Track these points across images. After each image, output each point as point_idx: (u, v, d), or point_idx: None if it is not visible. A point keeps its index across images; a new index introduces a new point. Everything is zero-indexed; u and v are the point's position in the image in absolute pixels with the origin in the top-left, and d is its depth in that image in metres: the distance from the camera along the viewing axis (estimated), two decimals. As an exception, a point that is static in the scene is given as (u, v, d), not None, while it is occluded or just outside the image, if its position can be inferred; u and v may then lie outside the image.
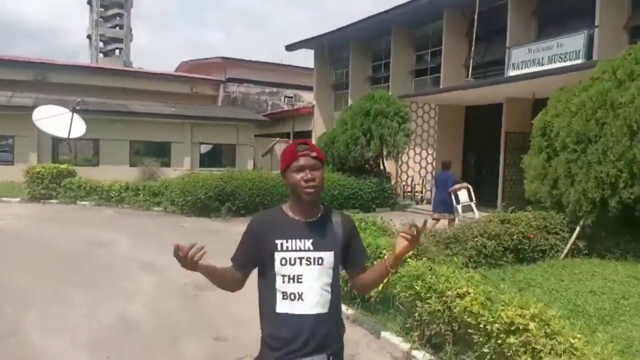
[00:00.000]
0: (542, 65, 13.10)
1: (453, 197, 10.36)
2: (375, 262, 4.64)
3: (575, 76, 10.78)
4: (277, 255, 1.92)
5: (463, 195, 10.73)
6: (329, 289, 1.95)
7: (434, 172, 16.76)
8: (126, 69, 40.77)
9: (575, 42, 12.25)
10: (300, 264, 1.92)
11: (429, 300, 4.02)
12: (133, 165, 21.58)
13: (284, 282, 1.92)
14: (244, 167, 22.46)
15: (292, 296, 1.91)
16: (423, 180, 16.64)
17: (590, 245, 7.80)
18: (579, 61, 11.97)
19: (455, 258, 5.81)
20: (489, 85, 12.79)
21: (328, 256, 1.95)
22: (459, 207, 10.48)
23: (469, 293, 3.77)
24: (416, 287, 4.16)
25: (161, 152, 23.34)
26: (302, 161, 1.95)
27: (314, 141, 20.80)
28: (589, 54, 12.03)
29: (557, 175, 8.09)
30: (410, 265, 4.40)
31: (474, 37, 14.79)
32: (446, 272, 4.15)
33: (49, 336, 4.63)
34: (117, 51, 74.22)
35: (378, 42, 21.47)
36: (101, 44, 72.95)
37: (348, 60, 22.46)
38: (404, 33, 19.46)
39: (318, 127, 23.72)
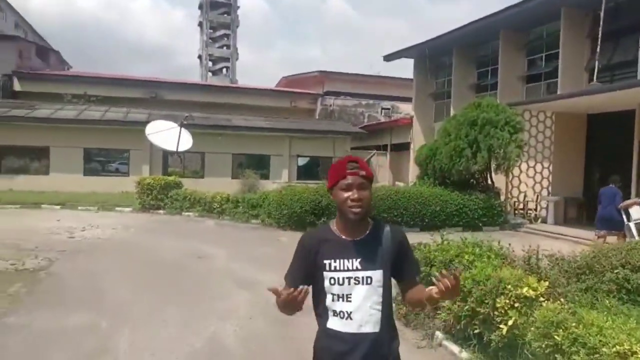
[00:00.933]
0: (689, 64, 11.16)
1: (624, 213, 9.79)
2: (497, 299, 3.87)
3: None
4: (326, 275, 1.94)
5: (636, 212, 9.46)
6: (379, 307, 1.95)
7: (550, 188, 15.10)
8: (229, 85, 42.92)
9: None
10: (349, 283, 1.93)
11: (575, 357, 3.16)
12: (235, 177, 22.20)
13: (333, 300, 1.95)
14: (341, 180, 22.08)
15: (342, 314, 1.94)
16: (538, 196, 15.01)
17: None
18: None
19: (592, 295, 4.79)
20: (621, 89, 11.11)
21: (377, 275, 1.94)
22: (632, 225, 9.65)
23: (636, 353, 2.86)
24: (556, 337, 3.32)
25: (261, 165, 23.82)
26: (350, 179, 1.93)
27: (413, 154, 19.90)
28: None
29: None
30: (545, 307, 3.56)
31: (599, 36, 13.07)
32: (597, 320, 3.26)
33: (139, 359, 4.43)
34: (224, 70, 78.89)
35: (484, 48, 20.10)
36: (210, 64, 78.06)
37: (450, 68, 21.32)
38: (514, 36, 17.95)
39: (417, 139, 22.75)
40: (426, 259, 4.98)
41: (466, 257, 4.67)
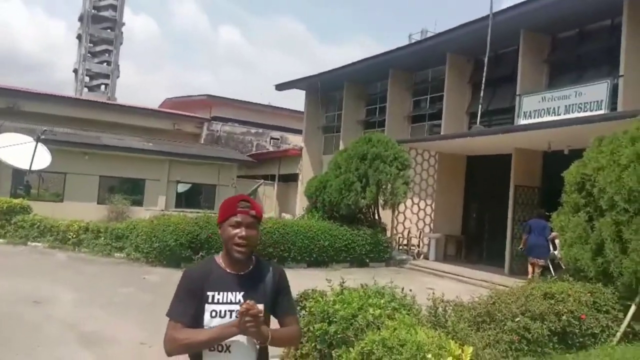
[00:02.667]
0: (559, 114, 12.00)
1: (550, 244, 10.95)
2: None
3: (598, 127, 9.66)
4: (208, 307, 1.93)
5: (558, 244, 10.32)
6: (258, 343, 1.95)
7: (432, 225, 15.33)
8: (104, 101, 39.29)
9: (597, 91, 11.21)
10: (230, 316, 1.92)
11: None
12: (101, 202, 19.70)
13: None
14: (224, 210, 20.69)
15: (220, 348, 1.91)
16: (421, 233, 15.14)
17: (650, 329, 6.29)
18: (602, 112, 10.89)
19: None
20: (503, 132, 11.58)
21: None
22: (557, 253, 10.64)
23: None
24: None
25: (135, 190, 21.55)
26: (239, 217, 1.97)
27: (302, 185, 19.32)
28: (612, 105, 10.98)
29: (601, 239, 6.67)
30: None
31: (483, 81, 13.74)
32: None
33: None
34: (102, 87, 73.48)
35: (374, 85, 20.49)
36: (87, 79, 72.16)
37: (340, 103, 21.39)
38: (403, 76, 18.49)
39: (305, 171, 22.30)
40: (324, 313, 4.04)
41: (371, 310, 3.83)
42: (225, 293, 1.94)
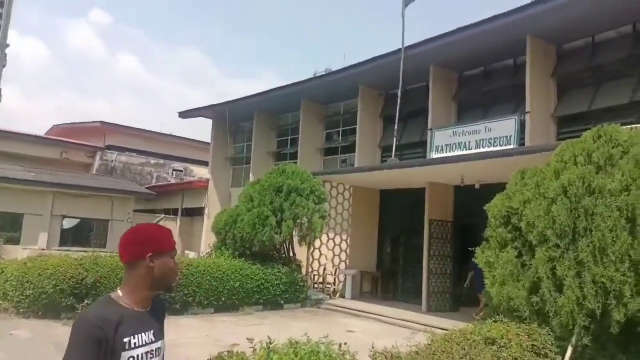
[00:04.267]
0: (470, 149, 12.19)
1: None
2: None
3: (512, 161, 9.78)
4: (125, 355, 1.76)
5: None
6: None
7: (347, 261, 14.75)
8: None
9: (506, 127, 11.54)
10: (146, 358, 1.82)
11: None
12: (-35, 241, 16.69)
13: None
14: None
15: None
16: (336, 270, 14.47)
17: (587, 370, 6.04)
18: (511, 147, 11.17)
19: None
20: (420, 165, 11.44)
21: (162, 345, 1.93)
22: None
23: None
24: None
25: (11, 227, 18.65)
26: (175, 251, 1.94)
27: (208, 220, 17.89)
28: (520, 140, 11.32)
29: (537, 277, 6.40)
30: None
31: (397, 114, 13.71)
32: None
33: None
34: (-21, 111, 65.66)
35: (285, 117, 19.96)
36: (-42, 101, 64.32)
37: (250, 133, 20.52)
38: (315, 108, 18.16)
39: (212, 204, 20.89)
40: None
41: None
42: (140, 335, 1.81)
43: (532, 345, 5.81)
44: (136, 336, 1.79)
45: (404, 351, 5.54)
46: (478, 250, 7.97)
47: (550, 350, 5.89)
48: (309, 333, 9.41)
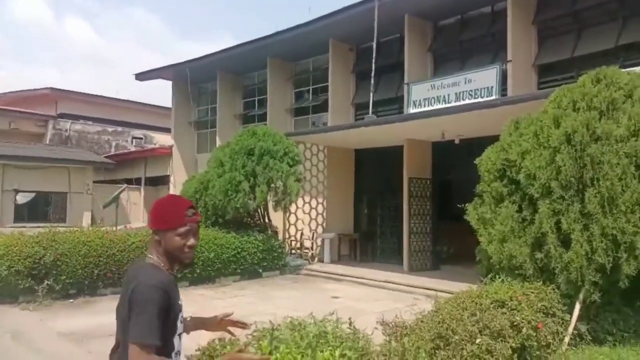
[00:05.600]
0: (449, 102, 11.67)
1: None
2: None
3: (495, 112, 9.33)
4: (180, 316, 1.88)
5: None
6: None
7: (324, 225, 14.26)
8: None
9: (487, 77, 11.03)
10: (182, 320, 1.91)
11: None
12: None
13: (179, 339, 1.89)
14: (79, 223, 17.45)
15: (177, 354, 1.88)
16: (314, 234, 13.96)
17: (596, 327, 5.76)
18: (493, 97, 10.70)
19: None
20: (400, 121, 10.86)
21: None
22: None
23: None
24: None
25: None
26: (188, 226, 1.89)
27: (178, 188, 16.95)
28: (502, 90, 10.86)
29: (540, 232, 6.01)
30: None
31: (373, 69, 12.98)
32: None
33: None
34: None
35: (251, 76, 18.88)
36: None
37: (214, 95, 19.36)
38: (283, 66, 17.17)
39: (177, 171, 19.87)
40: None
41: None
42: (180, 297, 1.92)
43: (542, 306, 5.46)
44: (180, 298, 1.91)
45: (408, 319, 5.07)
46: (469, 206, 7.55)
47: (558, 309, 5.56)
48: (295, 302, 8.92)
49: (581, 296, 5.69)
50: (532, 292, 5.56)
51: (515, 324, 4.83)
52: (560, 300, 5.66)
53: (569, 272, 5.65)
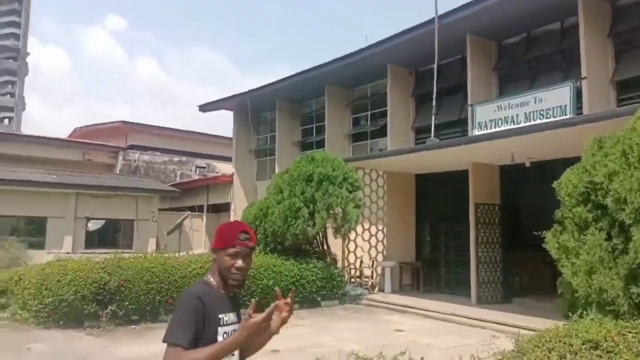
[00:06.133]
0: (518, 123, 11.03)
1: None
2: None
3: (571, 133, 8.64)
4: (220, 330, 1.95)
5: None
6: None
7: (384, 252, 13.77)
8: (3, 131, 34.73)
9: (559, 95, 10.34)
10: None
11: None
12: (-11, 248, 16.25)
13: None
14: (145, 249, 17.97)
15: None
16: (374, 262, 13.49)
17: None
18: (567, 117, 9.97)
19: None
20: (466, 143, 10.33)
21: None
22: None
23: None
24: None
25: (35, 231, 18.24)
26: (238, 249, 2.01)
27: (238, 214, 17.10)
28: (577, 109, 10.11)
29: (635, 262, 5.31)
30: None
31: (434, 92, 12.61)
32: None
33: None
34: (6, 120, 67.35)
35: (309, 104, 19.01)
36: (-11, 112, 66.04)
37: (273, 124, 19.64)
38: (340, 93, 17.14)
39: (238, 199, 20.13)
40: None
41: None
42: (229, 314, 2.01)
43: (640, 347, 4.75)
44: (227, 315, 1.98)
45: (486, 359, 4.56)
46: (548, 234, 6.90)
47: (659, 351, 4.82)
48: (357, 335, 8.49)
49: (689, 337, 4.91)
50: (630, 332, 4.88)
51: (614, 370, 4.20)
52: (662, 341, 4.93)
53: (674, 309, 4.92)
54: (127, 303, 8.78)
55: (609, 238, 5.73)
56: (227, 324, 1.96)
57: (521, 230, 12.99)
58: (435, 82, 12.48)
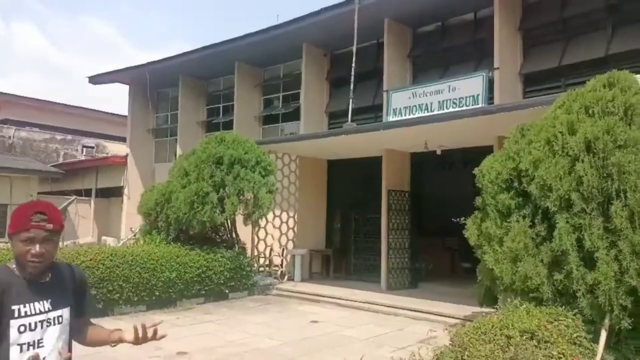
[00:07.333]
0: (432, 111, 11.09)
1: None
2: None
3: (484, 122, 8.80)
4: (15, 323, 1.79)
5: None
6: (67, 345, 1.94)
7: (295, 240, 13.30)
8: None
9: (472, 85, 10.51)
10: (42, 327, 1.84)
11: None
12: None
13: (21, 351, 1.78)
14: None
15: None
16: (284, 250, 12.97)
17: (618, 357, 5.10)
18: (479, 106, 10.16)
19: None
20: (384, 128, 10.11)
21: (66, 312, 1.94)
22: None
23: None
24: None
25: None
26: (32, 233, 1.84)
27: (133, 199, 15.51)
28: (488, 99, 10.35)
29: (560, 249, 5.33)
30: None
31: (352, 75, 12.26)
32: None
33: None
34: None
35: (216, 82, 17.82)
36: None
37: (175, 101, 18.15)
38: (251, 71, 16.22)
39: (133, 182, 18.42)
40: None
41: None
42: (32, 304, 1.83)
43: (576, 336, 4.75)
44: (27, 305, 1.80)
45: (425, 355, 4.23)
46: (468, 221, 6.84)
47: (584, 337, 4.87)
48: (271, 329, 7.90)
49: (607, 322, 5.02)
50: (557, 320, 4.86)
51: (549, 358, 4.08)
52: (583, 327, 4.99)
53: (595, 296, 4.98)
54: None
55: (532, 225, 5.72)
56: (28, 315, 1.80)
57: (423, 217, 13.28)
58: (353, 66, 12.14)
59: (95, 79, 18.61)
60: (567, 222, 5.32)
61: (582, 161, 5.35)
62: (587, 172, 5.26)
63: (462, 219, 7.09)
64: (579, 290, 5.13)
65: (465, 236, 6.81)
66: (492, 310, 6.73)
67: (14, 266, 1.87)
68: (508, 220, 6.01)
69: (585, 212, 5.25)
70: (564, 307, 5.16)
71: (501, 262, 5.87)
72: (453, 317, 8.52)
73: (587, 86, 6.32)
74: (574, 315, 5.05)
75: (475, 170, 6.78)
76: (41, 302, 1.84)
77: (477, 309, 8.09)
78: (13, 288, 1.80)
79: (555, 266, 5.39)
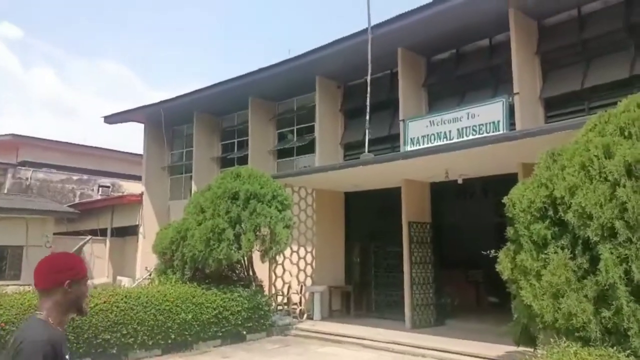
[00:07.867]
0: (450, 139, 10.79)
1: None
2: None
3: (509, 149, 8.47)
4: None
5: None
6: None
7: (313, 276, 12.87)
8: None
9: (492, 111, 10.23)
10: None
11: None
12: None
13: None
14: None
15: None
16: (302, 287, 12.53)
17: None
18: (500, 132, 9.86)
19: None
20: (404, 158, 9.79)
21: None
22: None
23: None
24: None
25: None
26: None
27: (149, 238, 15.28)
28: (510, 125, 10.04)
29: (606, 283, 4.89)
30: None
31: (367, 105, 12.09)
32: None
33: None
34: None
35: (230, 117, 17.82)
36: None
37: (189, 138, 18.19)
38: (264, 106, 16.19)
39: (148, 221, 18.26)
40: None
41: None
42: (69, 355, 1.97)
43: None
44: (67, 356, 1.94)
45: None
46: (500, 254, 6.43)
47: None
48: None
49: (667, 364, 4.54)
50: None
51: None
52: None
53: (654, 335, 4.52)
54: (5, 352, 7.01)
55: (573, 257, 5.31)
56: None
57: (443, 248, 12.79)
58: (368, 96, 11.98)
59: (110, 119, 18.77)
60: (612, 252, 4.92)
61: (624, 186, 4.98)
62: (631, 197, 4.89)
63: (493, 251, 6.69)
64: (631, 328, 4.67)
65: (498, 270, 6.40)
66: (529, 350, 6.28)
67: (49, 320, 1.91)
68: (545, 252, 5.61)
69: (630, 242, 4.85)
70: (614, 347, 4.71)
71: (540, 297, 5.44)
72: (485, 358, 7.98)
73: (619, 107, 6.00)
74: (627, 356, 4.60)
75: (505, 199, 6.42)
76: (69, 353, 1.99)
77: (511, 348, 7.58)
78: (61, 340, 1.92)
79: (601, 302, 4.95)
